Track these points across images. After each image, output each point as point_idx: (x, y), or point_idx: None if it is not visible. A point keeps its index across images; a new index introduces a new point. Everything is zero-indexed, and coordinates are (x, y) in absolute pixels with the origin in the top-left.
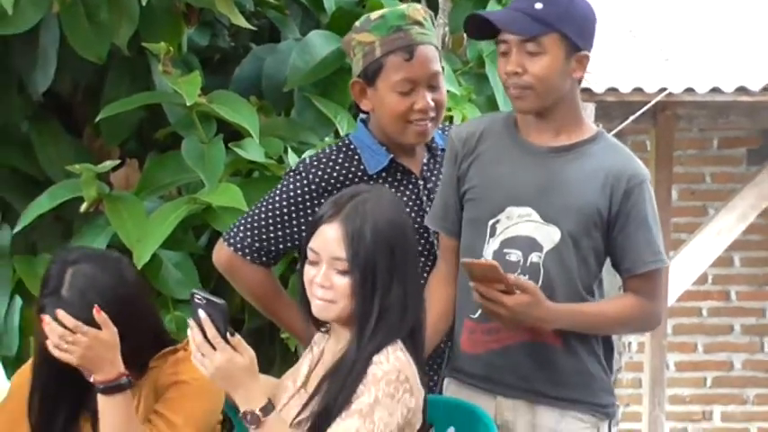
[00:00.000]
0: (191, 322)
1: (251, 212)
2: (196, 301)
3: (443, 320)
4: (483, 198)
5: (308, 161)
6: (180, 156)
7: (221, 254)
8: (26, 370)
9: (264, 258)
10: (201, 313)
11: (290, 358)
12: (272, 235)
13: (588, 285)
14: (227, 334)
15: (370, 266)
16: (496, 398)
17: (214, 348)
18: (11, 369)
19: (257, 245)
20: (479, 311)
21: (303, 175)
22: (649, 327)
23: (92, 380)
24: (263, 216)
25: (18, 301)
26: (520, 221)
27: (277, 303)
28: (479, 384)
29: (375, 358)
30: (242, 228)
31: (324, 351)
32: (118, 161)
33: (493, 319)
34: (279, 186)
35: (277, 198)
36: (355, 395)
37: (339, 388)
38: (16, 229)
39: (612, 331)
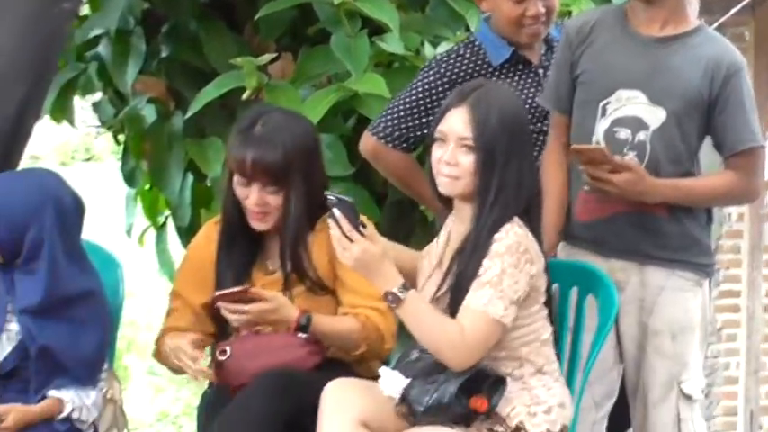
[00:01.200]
0: (330, 221)
1: (392, 105)
2: (330, 201)
3: (566, 188)
4: (595, 81)
5: (439, 57)
6: (329, 49)
7: (367, 143)
8: (201, 235)
9: (405, 144)
10: (336, 212)
11: (427, 228)
12: (410, 124)
13: (690, 159)
14: (360, 227)
15: (491, 147)
16: (609, 260)
17: (351, 241)
18: (185, 237)
19: (398, 133)
20: None
21: (436, 69)
22: (748, 200)
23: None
24: (402, 107)
25: (190, 178)
26: (628, 103)
27: (415, 183)
28: (591, 248)
29: (496, 236)
30: (385, 119)
31: (450, 232)
32: (275, 54)
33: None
34: (415, 81)
35: (414, 91)
36: (483, 268)
37: (467, 264)
38: (187, 115)
39: (712, 204)
